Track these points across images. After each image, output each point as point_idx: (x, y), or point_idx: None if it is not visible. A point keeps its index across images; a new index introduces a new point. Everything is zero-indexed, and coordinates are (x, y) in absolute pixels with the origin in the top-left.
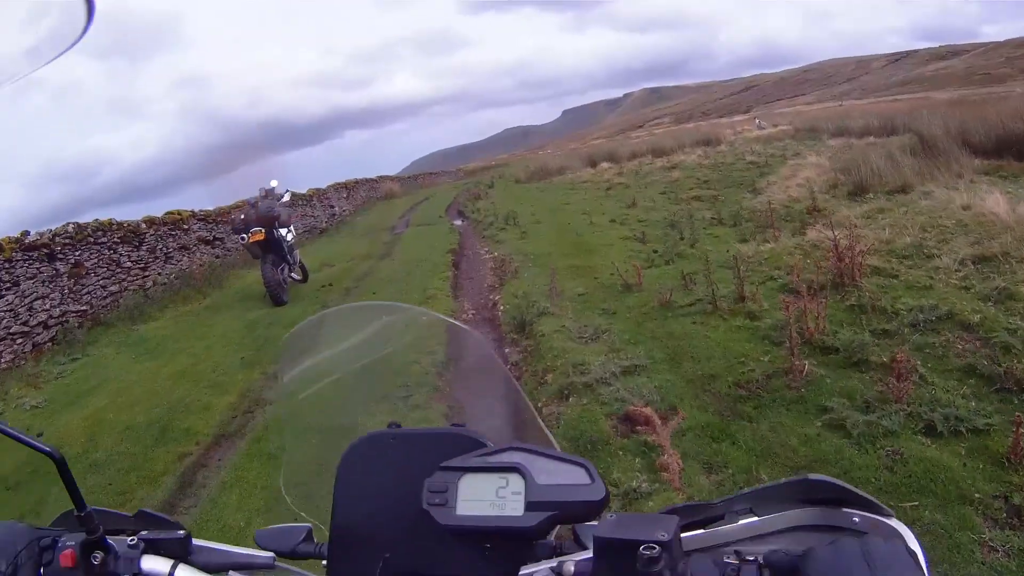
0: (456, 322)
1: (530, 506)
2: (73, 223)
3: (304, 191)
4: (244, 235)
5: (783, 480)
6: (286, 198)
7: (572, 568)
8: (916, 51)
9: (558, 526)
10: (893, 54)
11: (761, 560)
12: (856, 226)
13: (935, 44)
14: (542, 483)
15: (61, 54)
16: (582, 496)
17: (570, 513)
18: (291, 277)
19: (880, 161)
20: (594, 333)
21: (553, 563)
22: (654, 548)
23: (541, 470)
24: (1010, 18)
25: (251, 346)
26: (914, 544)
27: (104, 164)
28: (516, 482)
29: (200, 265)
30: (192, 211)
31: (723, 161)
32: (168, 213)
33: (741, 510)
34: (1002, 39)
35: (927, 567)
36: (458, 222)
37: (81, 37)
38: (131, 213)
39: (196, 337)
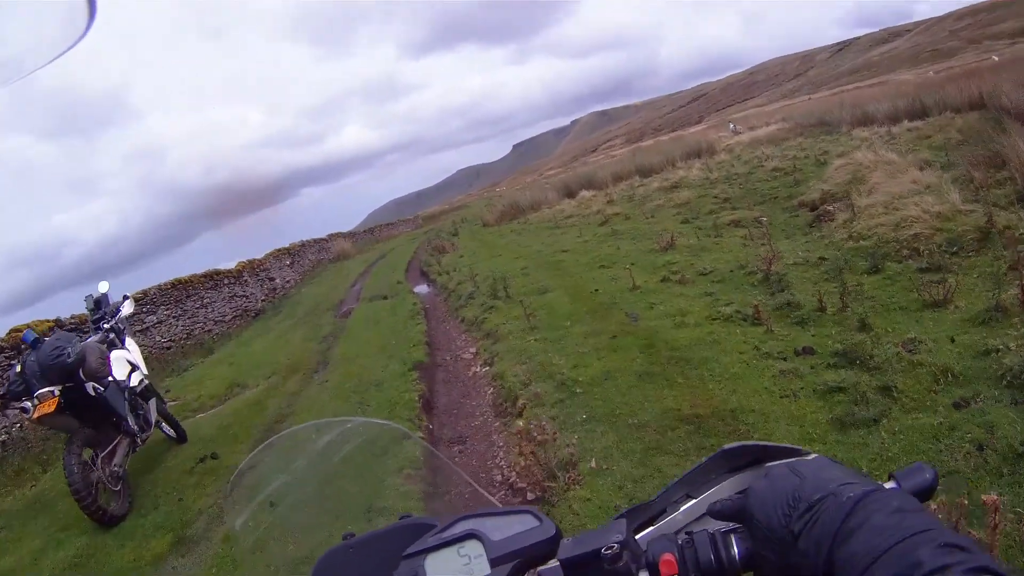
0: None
1: (494, 562)
2: None
3: (232, 265)
4: (26, 406)
5: (705, 459)
6: (125, 309)
7: None
8: (857, 38)
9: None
10: (835, 44)
11: (710, 530)
12: None
13: (875, 29)
14: (497, 539)
15: (63, 53)
16: (536, 538)
17: (531, 556)
18: (137, 445)
19: None
20: None
21: None
22: (613, 547)
23: (493, 528)
24: None
25: None
26: None
27: (67, 244)
28: (474, 547)
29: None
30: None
31: (735, 172)
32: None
33: (679, 498)
34: (940, 14)
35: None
36: (422, 289)
37: (84, 35)
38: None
39: None
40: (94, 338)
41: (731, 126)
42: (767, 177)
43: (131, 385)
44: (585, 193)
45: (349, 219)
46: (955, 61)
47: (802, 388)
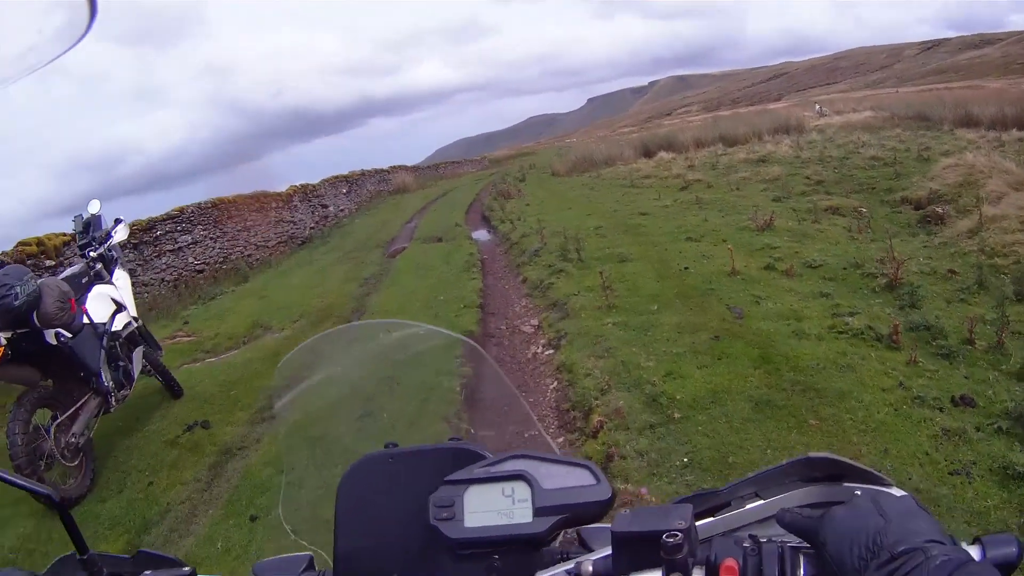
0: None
1: (539, 512)
2: None
3: (283, 188)
4: None
5: (785, 462)
6: (118, 235)
7: (591, 568)
8: (947, 39)
9: (564, 530)
10: (924, 42)
11: (778, 540)
12: None
13: (965, 32)
14: (548, 488)
15: (65, 52)
16: (589, 497)
17: (579, 515)
18: (111, 406)
19: None
20: None
21: (569, 565)
22: (677, 535)
23: (546, 475)
24: None
25: None
26: None
27: (130, 153)
28: (522, 489)
29: None
30: None
31: (828, 155)
32: None
33: (747, 495)
34: None
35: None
36: (482, 235)
37: (85, 34)
38: (159, 202)
39: None
40: (71, 269)
41: (817, 107)
42: (864, 165)
43: (113, 330)
44: (664, 154)
45: (416, 153)
46: None
47: (975, 463)
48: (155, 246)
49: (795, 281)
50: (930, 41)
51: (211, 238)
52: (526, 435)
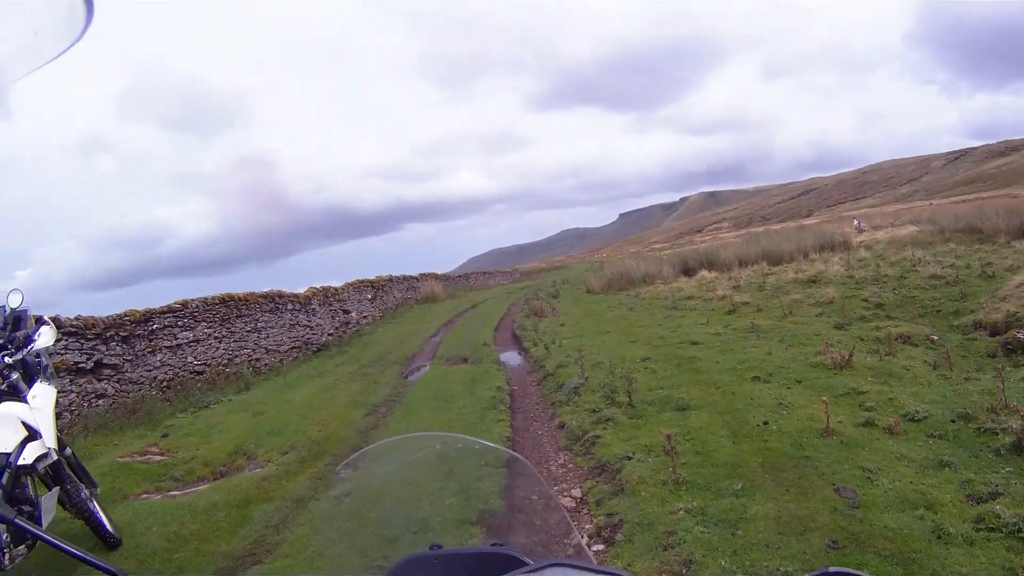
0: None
1: None
2: None
3: (302, 290)
4: None
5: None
6: (41, 339)
7: None
8: (974, 148)
9: None
10: (951, 152)
11: None
12: None
13: (989, 141)
14: None
15: (62, 53)
16: None
17: None
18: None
19: None
20: None
21: None
22: None
23: None
24: None
25: None
26: None
27: (167, 235)
28: None
29: None
30: None
31: (883, 274)
32: None
33: None
34: None
35: None
36: (512, 358)
37: (81, 37)
38: (191, 287)
39: None
40: (40, 343)
41: (856, 222)
42: (924, 284)
43: (20, 463)
44: (706, 273)
45: (449, 261)
46: None
47: None
48: (150, 340)
49: (902, 442)
50: (956, 151)
51: (216, 337)
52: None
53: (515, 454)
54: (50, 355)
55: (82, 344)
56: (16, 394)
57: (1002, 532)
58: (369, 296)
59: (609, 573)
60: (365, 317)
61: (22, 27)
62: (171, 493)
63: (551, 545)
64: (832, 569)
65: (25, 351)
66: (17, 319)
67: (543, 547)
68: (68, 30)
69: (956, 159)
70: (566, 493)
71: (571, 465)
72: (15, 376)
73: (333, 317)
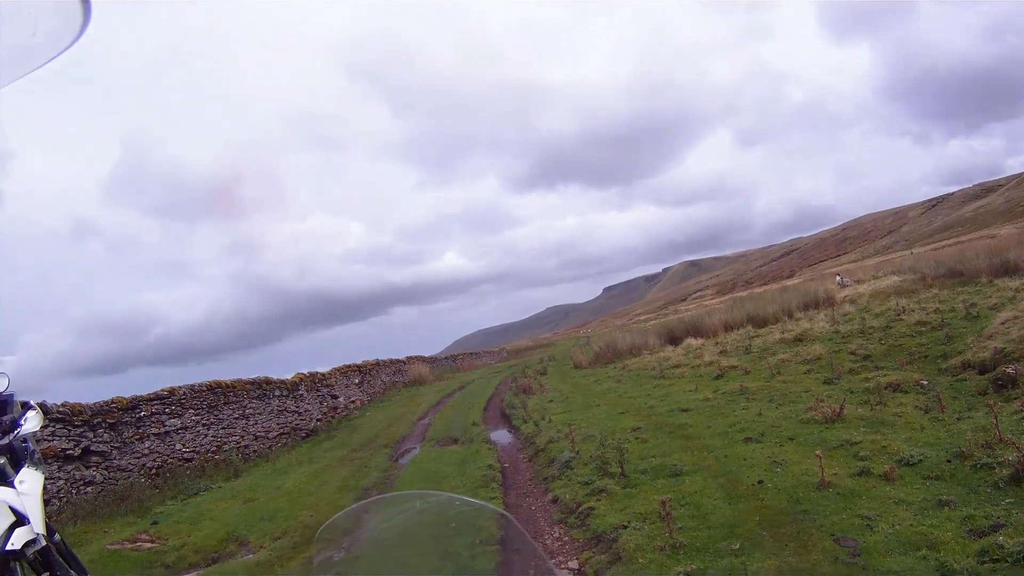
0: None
1: None
2: None
3: (289, 376)
4: None
5: None
6: (28, 424)
7: None
8: (950, 195)
9: None
10: (928, 200)
11: None
12: None
13: (967, 185)
14: None
15: (59, 54)
16: None
17: None
18: None
19: None
20: None
21: None
22: None
23: None
24: None
25: None
26: None
27: (153, 322)
28: None
29: None
30: None
31: (869, 326)
32: None
33: None
34: None
35: None
36: (502, 437)
37: (78, 38)
38: (179, 374)
39: None
40: (27, 427)
41: (839, 278)
42: (910, 332)
43: (8, 549)
44: (692, 340)
45: (435, 343)
46: None
47: None
48: (137, 428)
49: (899, 487)
50: (933, 199)
51: (204, 424)
52: None
53: (502, 511)
54: (37, 441)
55: (69, 431)
56: (3, 479)
57: (1007, 562)
58: (356, 380)
59: None
60: (353, 401)
61: (17, 29)
62: None
63: None
64: None
65: (12, 436)
66: (3, 404)
67: None
68: (64, 32)
69: (933, 206)
70: (563, 565)
71: (567, 538)
72: (2, 461)
73: (321, 402)
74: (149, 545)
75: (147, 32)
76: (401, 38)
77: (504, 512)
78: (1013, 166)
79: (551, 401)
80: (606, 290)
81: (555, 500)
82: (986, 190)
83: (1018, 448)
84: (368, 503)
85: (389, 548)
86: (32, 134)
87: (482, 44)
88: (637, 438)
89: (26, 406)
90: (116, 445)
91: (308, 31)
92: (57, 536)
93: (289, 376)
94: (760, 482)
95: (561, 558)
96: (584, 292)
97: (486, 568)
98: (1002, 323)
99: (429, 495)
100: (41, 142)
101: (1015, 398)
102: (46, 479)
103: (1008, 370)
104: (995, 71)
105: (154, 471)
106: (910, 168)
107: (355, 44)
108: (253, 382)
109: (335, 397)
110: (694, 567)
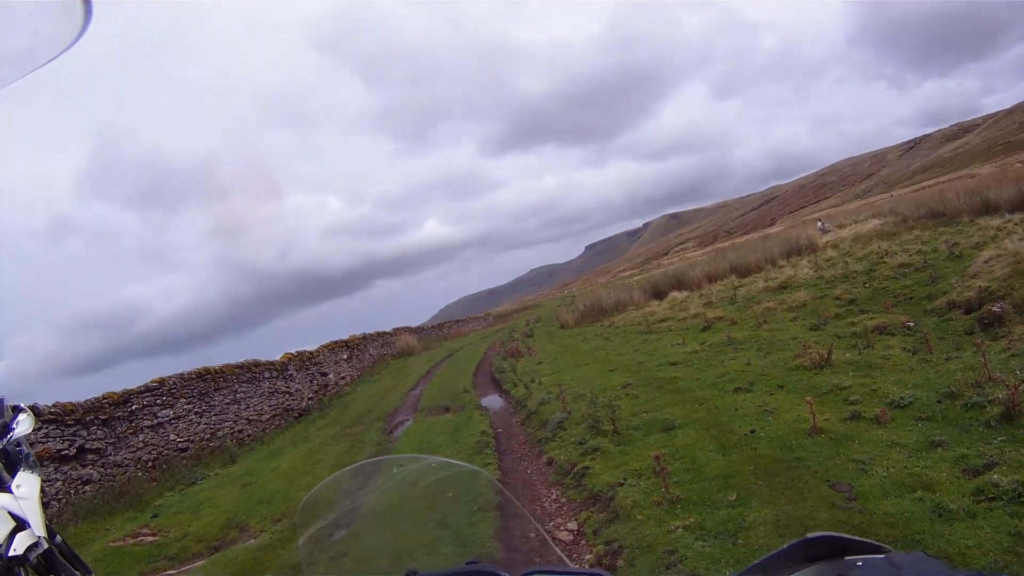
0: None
1: None
2: None
3: (277, 357)
4: None
5: (786, 545)
6: (20, 427)
7: None
8: (928, 135)
9: None
10: (906, 143)
11: None
12: None
13: (944, 126)
14: None
15: (60, 54)
16: None
17: None
18: None
19: None
20: None
21: None
22: None
23: None
24: (1007, 86)
25: None
26: None
27: (139, 314)
28: None
29: None
30: None
31: (852, 270)
32: None
33: None
34: (1007, 106)
35: None
36: (493, 402)
37: (79, 37)
38: (169, 364)
39: None
40: (19, 430)
41: (820, 224)
42: (894, 274)
43: (11, 554)
44: (676, 294)
45: (421, 313)
46: None
47: None
48: (130, 422)
49: (891, 430)
50: (911, 140)
51: (196, 412)
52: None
53: (486, 473)
54: (31, 444)
55: (63, 431)
56: None
57: (1003, 500)
58: (345, 356)
59: (582, 573)
60: (343, 377)
61: (18, 29)
62: (167, 573)
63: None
64: (812, 534)
65: (4, 441)
66: None
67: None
68: (66, 31)
69: (911, 148)
70: (562, 527)
71: (564, 499)
72: None
73: (311, 381)
74: (151, 539)
75: (111, 18)
76: (372, 6)
77: (478, 469)
78: (989, 104)
79: (540, 363)
80: (588, 248)
81: (550, 462)
82: (964, 130)
83: (1008, 386)
84: (341, 474)
85: (385, 520)
86: (1, 135)
87: (451, 5)
88: (628, 394)
89: (17, 409)
90: (110, 441)
91: (277, 8)
92: (59, 538)
93: (278, 357)
94: (752, 432)
95: (560, 519)
96: (566, 251)
97: (487, 534)
98: (985, 262)
99: (403, 459)
100: (11, 143)
101: (1002, 336)
102: (43, 481)
103: (994, 308)
104: (968, 10)
105: (150, 464)
106: (887, 112)
107: (325, 17)
108: (242, 366)
109: (325, 375)
110: (691, 520)
